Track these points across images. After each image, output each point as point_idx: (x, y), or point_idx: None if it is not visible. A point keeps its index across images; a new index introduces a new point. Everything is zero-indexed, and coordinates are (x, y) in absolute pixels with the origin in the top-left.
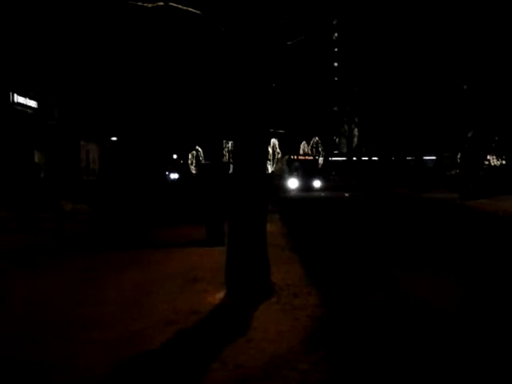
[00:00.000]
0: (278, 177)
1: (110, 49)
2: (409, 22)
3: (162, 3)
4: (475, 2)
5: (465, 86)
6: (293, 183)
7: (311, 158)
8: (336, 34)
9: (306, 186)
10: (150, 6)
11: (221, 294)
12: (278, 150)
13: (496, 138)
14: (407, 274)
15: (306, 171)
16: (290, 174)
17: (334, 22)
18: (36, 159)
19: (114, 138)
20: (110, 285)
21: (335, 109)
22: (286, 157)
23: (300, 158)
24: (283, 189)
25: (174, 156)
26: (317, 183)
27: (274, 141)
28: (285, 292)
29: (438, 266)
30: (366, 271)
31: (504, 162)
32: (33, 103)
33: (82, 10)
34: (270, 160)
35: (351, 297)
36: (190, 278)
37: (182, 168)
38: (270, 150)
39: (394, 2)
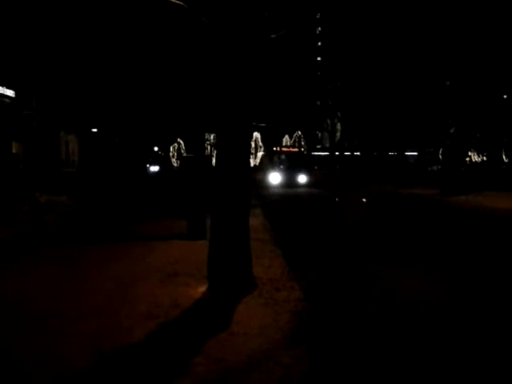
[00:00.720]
0: (260, 171)
1: (90, 38)
2: (392, 16)
3: None
4: (457, 2)
5: (447, 82)
6: (275, 178)
7: (296, 150)
8: (319, 29)
9: (289, 182)
10: None
11: (203, 288)
12: (261, 144)
13: (477, 135)
14: (387, 269)
15: (290, 165)
16: (273, 167)
17: (318, 16)
18: (14, 150)
19: (95, 130)
20: (90, 278)
21: (318, 103)
22: (268, 149)
23: (283, 149)
24: (264, 184)
25: (155, 148)
26: (302, 178)
27: (256, 134)
28: (267, 286)
29: (417, 261)
30: (347, 266)
31: (485, 159)
32: (10, 92)
33: None
34: (252, 154)
35: (333, 291)
36: (171, 271)
37: (163, 160)
38: (252, 143)
39: None
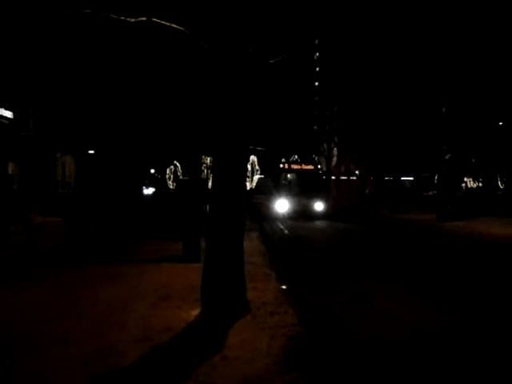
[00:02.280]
0: (263, 196)
1: (89, 61)
2: (388, 44)
3: (144, 18)
4: (454, 26)
5: (443, 109)
6: (282, 205)
7: (311, 167)
8: (317, 54)
9: (302, 211)
10: (132, 20)
11: (196, 311)
12: (257, 168)
13: (473, 161)
14: (383, 294)
15: (304, 188)
16: (279, 191)
17: (316, 42)
18: (10, 171)
19: (91, 151)
20: (83, 300)
21: (315, 128)
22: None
23: (294, 167)
24: (268, 212)
25: (152, 170)
26: (319, 206)
27: (253, 158)
28: (261, 310)
29: (414, 287)
30: (342, 291)
31: (480, 184)
32: (8, 113)
33: (61, 21)
34: (248, 177)
35: (328, 316)
36: (164, 294)
37: (159, 183)
38: (249, 167)
39: (373, 25)
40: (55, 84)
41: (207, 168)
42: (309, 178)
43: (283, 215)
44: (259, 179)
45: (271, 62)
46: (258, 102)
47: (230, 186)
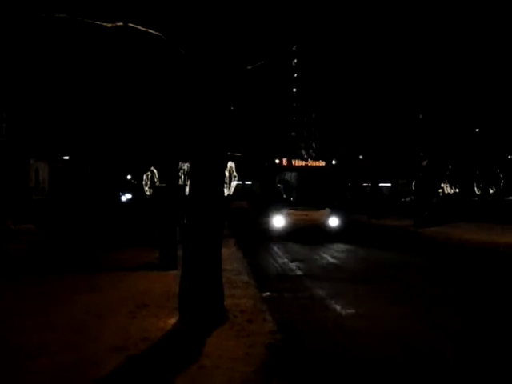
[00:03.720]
0: (253, 207)
1: (63, 65)
2: (366, 50)
3: (121, 24)
4: (429, 35)
5: (420, 116)
6: (279, 220)
7: (321, 164)
8: (295, 61)
9: (308, 228)
10: (109, 25)
11: (173, 320)
12: (235, 174)
13: (449, 167)
14: (360, 300)
15: (310, 194)
16: (272, 199)
17: (294, 48)
18: None
19: (66, 157)
20: (58, 309)
21: (293, 134)
22: (266, 164)
23: (297, 163)
24: (260, 228)
25: (129, 177)
26: (333, 221)
27: (230, 164)
28: (239, 318)
29: (393, 294)
30: (319, 297)
31: (457, 190)
32: None
33: (34, 25)
34: (226, 183)
35: (307, 323)
36: (141, 302)
37: (136, 189)
38: (226, 173)
39: (351, 32)
40: (28, 89)
41: (185, 174)
42: (318, 179)
43: (279, 234)
44: (236, 185)
45: (249, 67)
46: (235, 108)
47: (207, 193)
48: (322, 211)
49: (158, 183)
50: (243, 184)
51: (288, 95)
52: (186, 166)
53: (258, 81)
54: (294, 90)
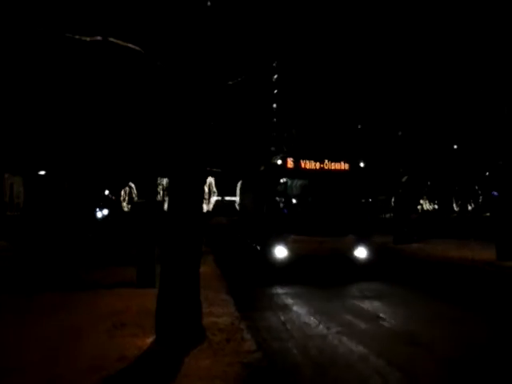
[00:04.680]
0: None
1: (39, 77)
2: (346, 66)
3: (99, 38)
4: (409, 50)
5: (400, 132)
6: (281, 250)
7: (343, 167)
8: (275, 76)
9: (323, 260)
10: (88, 39)
11: (151, 339)
12: (214, 190)
13: (428, 183)
14: (340, 316)
15: (329, 210)
16: (273, 218)
17: (274, 64)
18: None
19: (42, 172)
20: (32, 328)
21: (273, 149)
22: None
23: (308, 166)
24: (250, 260)
25: (106, 192)
26: (361, 252)
27: (210, 180)
28: (217, 337)
29: (364, 313)
30: (298, 315)
31: (436, 207)
32: None
33: (7, 38)
34: (205, 199)
35: (285, 342)
36: (118, 321)
37: (113, 204)
38: (206, 188)
39: (330, 49)
40: (2, 102)
41: (163, 189)
42: (339, 189)
43: (281, 270)
44: (216, 201)
45: (230, 83)
46: (215, 123)
47: (186, 209)
48: (344, 238)
49: (136, 199)
50: (223, 199)
51: (268, 110)
52: (164, 182)
53: (238, 96)
54: (274, 105)
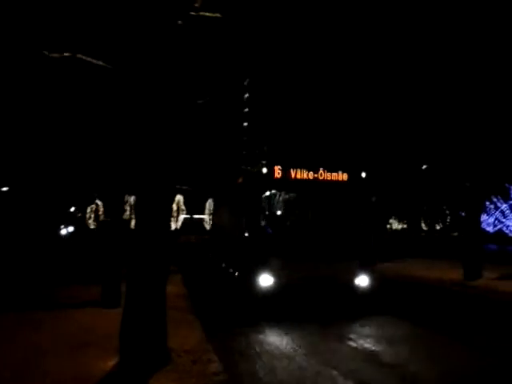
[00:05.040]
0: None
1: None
2: (316, 85)
3: (68, 54)
4: (371, 76)
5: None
6: (266, 278)
7: (341, 177)
8: (246, 95)
9: (319, 290)
10: (56, 55)
11: (114, 361)
12: (183, 207)
13: (397, 203)
14: (307, 337)
15: (324, 230)
16: (255, 238)
17: (245, 83)
18: None
19: (5, 189)
20: None
21: (243, 167)
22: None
23: (299, 175)
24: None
25: (72, 209)
26: (362, 280)
27: (179, 197)
28: (183, 358)
29: (342, 329)
30: (265, 336)
31: (405, 226)
32: None
33: None
34: (174, 217)
35: (252, 363)
36: (81, 342)
37: (79, 222)
38: (174, 206)
39: (301, 68)
40: None
41: (131, 207)
42: (336, 205)
43: (267, 302)
44: (185, 219)
45: (199, 102)
46: (184, 141)
47: (153, 227)
48: (343, 264)
49: (102, 216)
50: (191, 218)
51: (239, 129)
52: (132, 199)
53: (209, 114)
54: (245, 123)
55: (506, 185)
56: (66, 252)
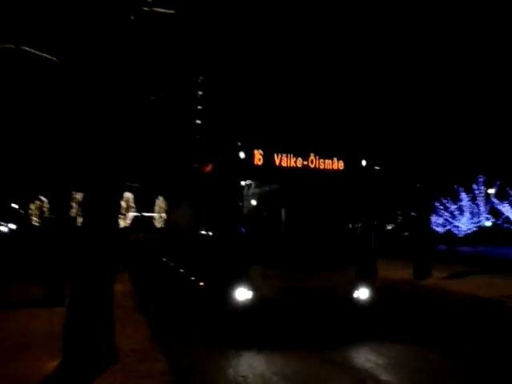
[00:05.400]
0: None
1: None
2: (273, 85)
3: (12, 46)
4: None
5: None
6: (242, 292)
7: (337, 165)
8: (201, 93)
9: (310, 305)
10: None
11: (57, 362)
12: (133, 205)
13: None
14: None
15: (317, 231)
16: (230, 240)
17: (199, 81)
18: None
19: None
20: None
21: (196, 166)
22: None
23: (285, 163)
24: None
25: (16, 206)
26: (362, 293)
27: (128, 195)
28: (130, 358)
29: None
30: (213, 336)
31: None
32: None
33: None
34: (123, 215)
35: (199, 362)
36: (21, 343)
37: (22, 219)
38: (123, 204)
39: (257, 68)
40: None
41: (78, 204)
42: (332, 200)
43: (243, 321)
44: (135, 217)
45: (152, 98)
46: (135, 137)
47: (100, 224)
48: (340, 273)
49: (47, 213)
50: (141, 215)
51: (191, 126)
52: (79, 196)
53: (161, 111)
54: (198, 121)
55: (456, 187)
56: (6, 250)
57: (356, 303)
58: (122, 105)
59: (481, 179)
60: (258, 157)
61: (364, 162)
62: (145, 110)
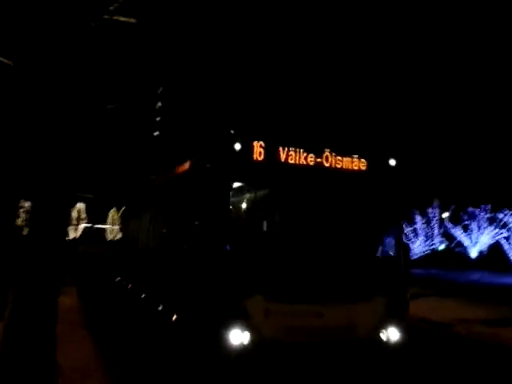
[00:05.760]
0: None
1: None
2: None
3: None
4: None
5: None
6: (237, 335)
7: (357, 164)
8: (159, 104)
9: (324, 350)
10: None
11: None
12: (85, 216)
13: None
14: None
15: (333, 250)
16: (225, 263)
17: (159, 92)
18: None
19: None
20: None
21: (153, 177)
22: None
23: (292, 159)
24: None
25: None
26: (392, 332)
27: (80, 205)
28: (74, 375)
29: None
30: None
31: None
32: None
33: None
34: (74, 225)
35: (146, 381)
36: None
37: None
38: (75, 214)
39: (218, 77)
40: None
41: (26, 213)
42: (351, 207)
43: (232, 377)
44: (85, 228)
45: (110, 107)
46: (89, 146)
47: (47, 234)
48: (364, 305)
49: None
50: (92, 227)
51: (149, 138)
52: (26, 205)
53: (119, 121)
54: (156, 133)
55: (411, 210)
56: None
57: (383, 347)
58: (75, 111)
59: (436, 203)
60: (259, 150)
61: (393, 162)
62: (101, 119)
